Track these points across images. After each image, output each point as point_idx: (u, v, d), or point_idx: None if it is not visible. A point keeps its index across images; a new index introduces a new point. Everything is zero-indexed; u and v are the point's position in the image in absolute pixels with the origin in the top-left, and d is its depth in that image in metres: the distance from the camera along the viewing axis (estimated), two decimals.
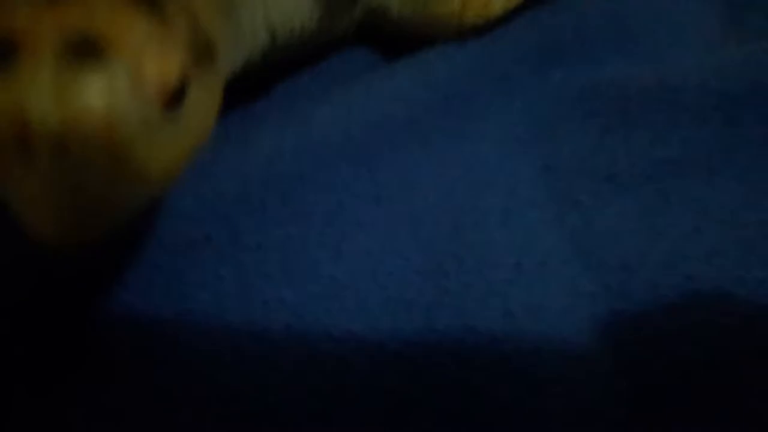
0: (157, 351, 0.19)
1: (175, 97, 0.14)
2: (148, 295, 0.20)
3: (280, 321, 0.19)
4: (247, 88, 0.23)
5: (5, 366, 0.19)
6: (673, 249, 0.20)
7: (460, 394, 0.19)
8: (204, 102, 0.15)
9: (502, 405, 0.18)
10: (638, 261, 0.20)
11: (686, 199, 0.22)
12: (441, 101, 0.24)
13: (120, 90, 0.13)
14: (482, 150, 0.24)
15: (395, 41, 0.27)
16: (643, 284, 0.20)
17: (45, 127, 0.12)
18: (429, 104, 0.24)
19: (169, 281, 0.20)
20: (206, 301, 0.20)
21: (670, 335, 0.19)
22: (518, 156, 0.24)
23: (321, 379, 0.19)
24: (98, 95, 0.12)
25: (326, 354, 0.19)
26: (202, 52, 0.15)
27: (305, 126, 0.23)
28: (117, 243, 0.20)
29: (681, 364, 0.19)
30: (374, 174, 0.22)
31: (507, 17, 0.26)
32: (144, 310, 0.19)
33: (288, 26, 0.23)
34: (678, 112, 0.23)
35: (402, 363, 0.19)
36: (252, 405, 0.18)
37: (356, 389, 0.19)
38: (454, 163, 0.23)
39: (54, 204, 0.13)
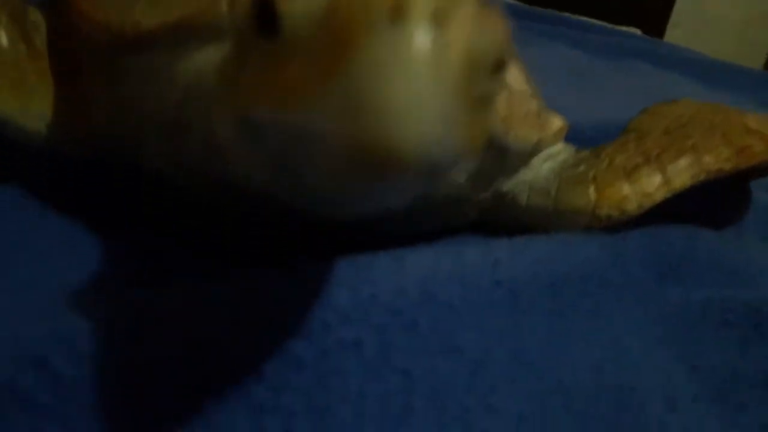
0: None
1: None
2: (282, 391, 0.17)
3: None
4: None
5: None
6: None
7: None
8: None
9: None
10: None
11: None
12: (578, 280, 0.23)
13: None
14: (624, 338, 0.23)
15: (506, 231, 0.25)
16: None
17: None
18: (569, 278, 0.23)
19: (309, 383, 0.17)
20: (345, 418, 0.17)
21: None
22: (662, 352, 0.23)
23: None
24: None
25: None
26: None
27: (459, 259, 0.21)
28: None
29: None
30: (521, 330, 0.21)
31: (637, 217, 0.25)
32: (278, 408, 0.17)
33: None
34: None
35: None
36: None
37: None
38: (597, 342, 0.22)
39: (426, 96, 0.11)
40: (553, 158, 0.26)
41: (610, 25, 1.09)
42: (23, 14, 0.23)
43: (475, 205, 0.25)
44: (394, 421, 0.18)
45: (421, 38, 0.11)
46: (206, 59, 0.18)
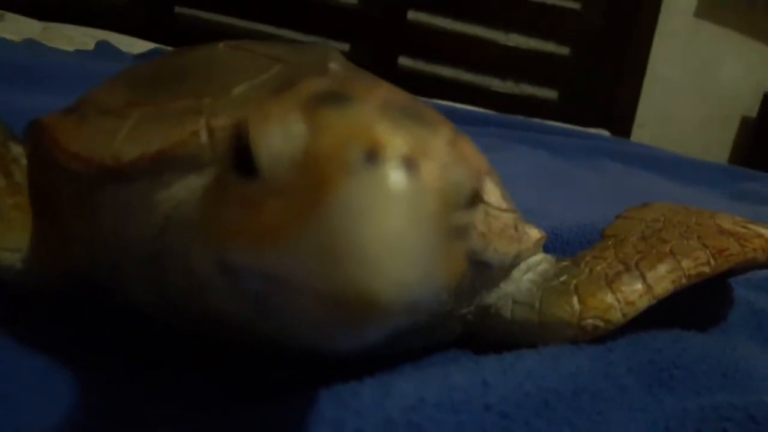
0: None
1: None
2: None
3: None
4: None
5: None
6: None
7: None
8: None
9: None
10: None
11: None
12: (570, 395, 0.22)
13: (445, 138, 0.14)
14: None
15: (491, 345, 0.25)
16: None
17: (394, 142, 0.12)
18: (560, 394, 0.22)
19: None
20: None
21: None
22: None
23: None
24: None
25: None
26: None
27: (445, 383, 0.20)
28: None
29: None
30: None
31: (621, 327, 0.25)
32: None
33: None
34: None
35: None
36: None
37: None
38: None
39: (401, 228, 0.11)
40: (533, 269, 0.26)
41: (579, 128, 1.13)
42: (5, 148, 0.23)
43: (459, 320, 0.25)
44: None
45: (395, 179, 0.11)
46: (186, 190, 0.19)
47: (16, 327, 0.22)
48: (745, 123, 1.41)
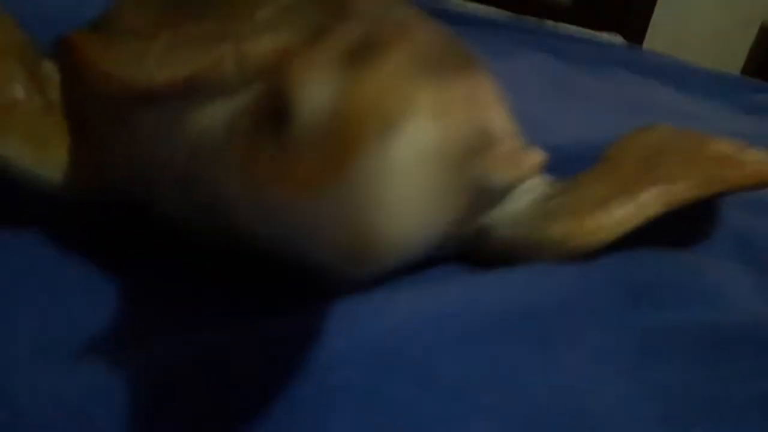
0: None
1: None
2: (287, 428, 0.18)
3: None
4: None
5: None
6: None
7: None
8: None
9: None
10: None
11: None
12: (549, 310, 0.25)
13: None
14: (588, 364, 0.24)
15: (488, 262, 0.27)
16: None
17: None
18: (540, 308, 0.24)
19: (309, 420, 0.19)
20: None
21: None
22: (623, 376, 0.24)
23: None
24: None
25: None
26: None
27: (439, 299, 0.23)
28: None
29: None
30: (494, 360, 0.22)
31: (605, 247, 0.27)
32: None
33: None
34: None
35: None
36: None
37: None
38: (561, 369, 0.23)
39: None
40: (532, 191, 0.28)
41: (591, 32, 1.11)
42: (38, 66, 0.24)
43: (459, 239, 0.27)
44: None
45: (414, 141, 0.13)
46: (214, 114, 0.20)
47: (60, 234, 0.24)
48: (764, 30, 1.37)
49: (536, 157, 0.28)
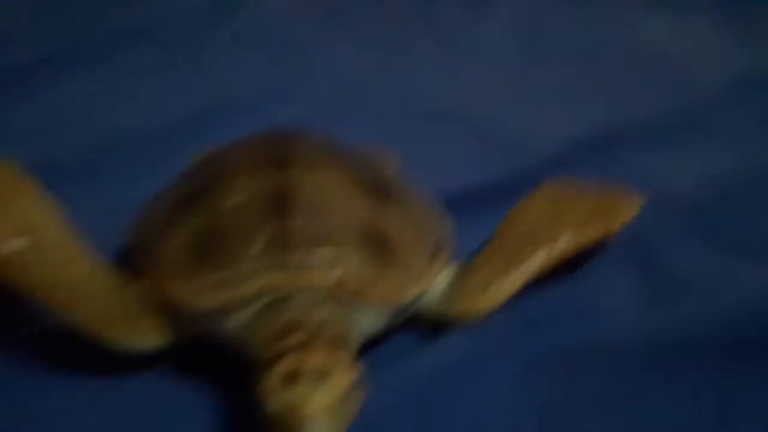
0: None
1: (353, 387, 0.29)
2: None
3: None
4: None
5: None
6: None
7: None
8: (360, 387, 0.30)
9: None
10: None
11: None
12: (458, 362, 0.39)
13: (339, 389, 0.29)
14: (485, 396, 0.37)
15: (431, 326, 0.41)
16: None
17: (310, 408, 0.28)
18: (449, 363, 0.39)
19: None
20: None
21: None
22: (511, 394, 0.37)
23: None
24: (332, 393, 0.28)
25: None
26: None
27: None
28: None
29: None
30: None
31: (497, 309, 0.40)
32: None
33: (369, 333, 0.38)
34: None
35: None
36: None
37: None
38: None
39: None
40: (439, 284, 0.41)
41: None
42: (134, 288, 0.38)
43: (399, 321, 0.40)
44: None
45: (314, 422, 0.27)
46: (239, 317, 0.35)
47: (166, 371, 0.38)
48: None
49: (441, 263, 0.41)
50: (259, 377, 0.29)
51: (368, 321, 0.37)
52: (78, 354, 0.38)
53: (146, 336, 0.37)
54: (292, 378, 0.28)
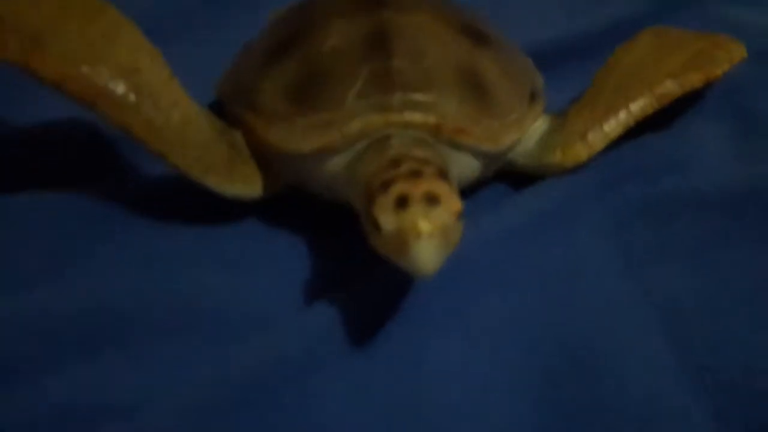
0: None
1: (458, 217, 0.29)
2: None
3: None
4: None
5: None
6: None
7: None
8: (461, 219, 0.30)
9: None
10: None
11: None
12: (550, 211, 0.39)
13: (446, 215, 0.28)
14: (577, 240, 0.38)
15: (520, 177, 0.42)
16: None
17: (421, 228, 0.27)
18: (544, 210, 0.39)
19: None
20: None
21: None
22: (597, 237, 0.38)
23: None
24: (441, 217, 0.28)
25: None
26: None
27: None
28: None
29: None
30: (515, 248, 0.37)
31: (591, 160, 0.40)
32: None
33: (467, 176, 0.38)
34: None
35: None
36: None
37: None
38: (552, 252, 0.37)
39: (429, 255, 0.27)
40: (536, 130, 0.40)
41: None
42: (231, 135, 0.38)
43: (494, 170, 0.40)
44: None
45: (425, 241, 0.27)
46: (338, 162, 0.35)
47: (257, 221, 0.40)
48: None
49: (537, 110, 0.40)
50: (371, 202, 0.30)
51: (466, 163, 0.37)
52: (176, 204, 0.40)
53: (245, 183, 0.38)
54: (404, 202, 0.28)
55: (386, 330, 0.32)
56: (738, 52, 0.44)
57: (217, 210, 0.39)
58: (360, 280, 0.35)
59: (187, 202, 0.40)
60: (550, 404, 0.29)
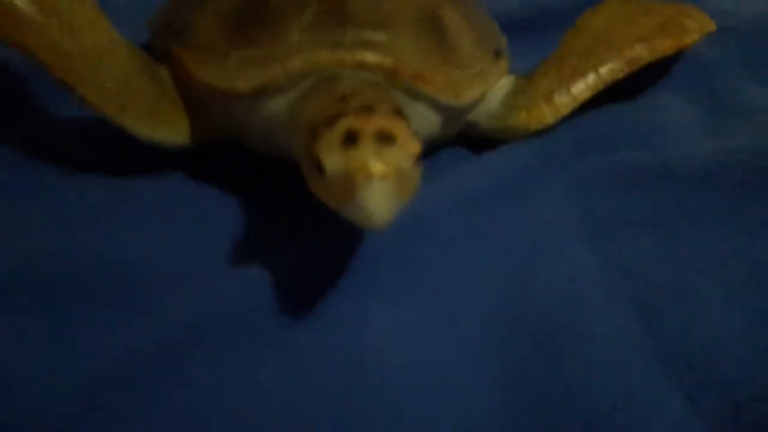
0: None
1: (415, 161, 0.25)
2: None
3: None
4: None
5: None
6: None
7: None
8: (419, 165, 0.26)
9: None
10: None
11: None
12: (512, 177, 0.36)
13: (402, 156, 0.24)
14: (539, 209, 0.35)
15: (481, 141, 0.38)
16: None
17: (372, 168, 0.23)
18: (506, 175, 0.36)
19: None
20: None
21: None
22: (564, 204, 0.35)
23: None
24: (395, 158, 0.24)
25: None
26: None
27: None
28: None
29: None
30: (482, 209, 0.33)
31: (556, 124, 0.37)
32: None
33: (423, 133, 0.34)
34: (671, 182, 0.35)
35: None
36: None
37: None
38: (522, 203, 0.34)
39: (380, 201, 0.23)
40: (500, 90, 0.37)
41: None
42: (156, 71, 0.34)
43: (454, 132, 0.37)
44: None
45: (376, 184, 0.23)
46: (279, 104, 0.31)
47: (186, 171, 0.35)
48: None
49: (502, 68, 0.37)
50: (313, 140, 0.26)
51: (424, 117, 0.33)
52: (100, 151, 0.35)
53: (169, 128, 0.33)
54: (353, 139, 0.24)
55: (326, 298, 0.29)
56: (707, 23, 0.42)
57: (137, 161, 0.34)
58: (297, 241, 0.30)
59: (102, 150, 0.35)
60: (512, 386, 0.26)
